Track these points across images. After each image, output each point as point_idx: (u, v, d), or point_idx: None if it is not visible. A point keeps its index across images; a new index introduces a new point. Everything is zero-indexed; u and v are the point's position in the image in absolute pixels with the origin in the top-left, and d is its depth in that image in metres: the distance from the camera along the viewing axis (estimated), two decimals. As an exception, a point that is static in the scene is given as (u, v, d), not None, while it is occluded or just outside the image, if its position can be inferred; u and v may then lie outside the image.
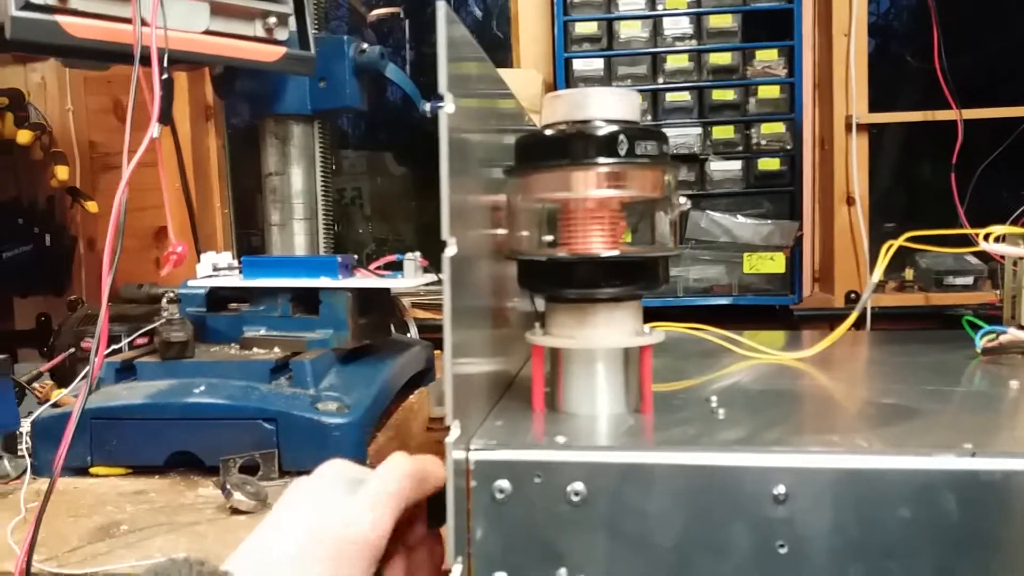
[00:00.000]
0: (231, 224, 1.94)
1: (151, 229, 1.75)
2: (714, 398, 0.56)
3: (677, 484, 0.44)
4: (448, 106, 0.44)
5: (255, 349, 0.96)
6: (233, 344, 0.98)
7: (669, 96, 1.59)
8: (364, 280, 0.98)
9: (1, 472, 0.85)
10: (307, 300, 0.97)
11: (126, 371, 0.92)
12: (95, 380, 0.75)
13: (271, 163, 1.14)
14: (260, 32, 0.98)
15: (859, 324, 0.93)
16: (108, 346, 0.95)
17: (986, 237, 0.70)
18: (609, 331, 0.52)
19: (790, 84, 1.58)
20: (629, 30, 1.60)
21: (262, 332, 0.97)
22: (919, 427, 0.51)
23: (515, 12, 1.79)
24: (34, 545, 0.61)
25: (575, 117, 0.52)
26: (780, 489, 0.43)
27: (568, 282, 0.52)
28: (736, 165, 1.59)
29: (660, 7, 1.60)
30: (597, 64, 1.60)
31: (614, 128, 0.50)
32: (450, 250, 0.44)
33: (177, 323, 0.92)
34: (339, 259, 0.98)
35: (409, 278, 0.99)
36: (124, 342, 1.01)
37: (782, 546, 0.43)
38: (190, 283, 1.02)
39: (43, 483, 0.75)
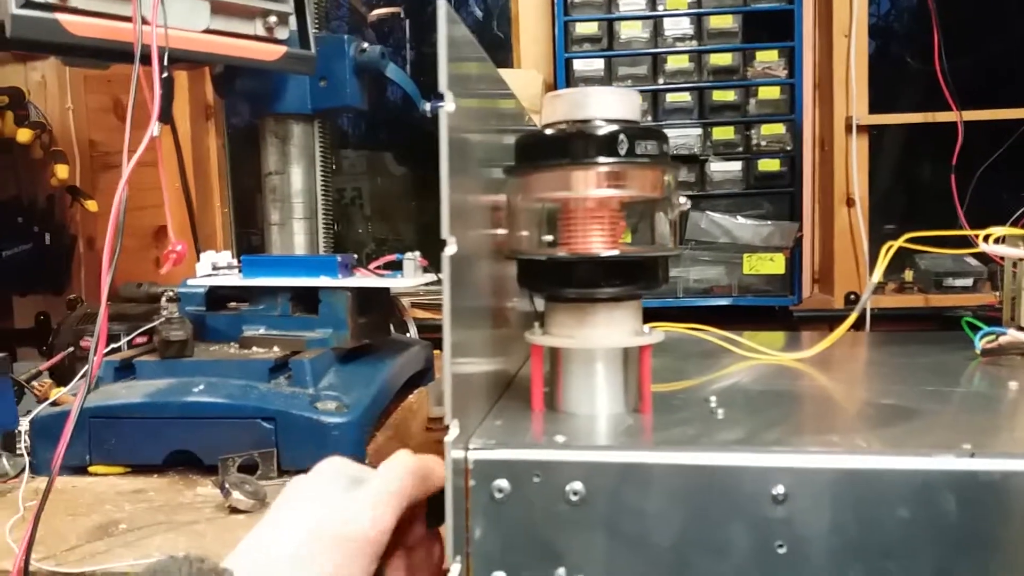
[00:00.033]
0: (231, 223, 1.94)
1: (151, 228, 1.75)
2: (713, 398, 0.56)
3: (676, 484, 0.44)
4: (448, 105, 0.44)
5: (254, 348, 0.96)
6: (232, 343, 0.98)
7: (669, 97, 1.59)
8: (364, 280, 0.98)
9: (0, 471, 0.85)
10: (306, 299, 0.97)
11: (125, 370, 0.92)
12: (94, 379, 0.75)
13: (271, 162, 1.14)
14: (260, 31, 0.98)
15: (858, 325, 0.93)
16: (107, 345, 0.95)
17: (986, 239, 0.70)
18: (608, 331, 0.52)
19: (790, 85, 1.58)
20: (629, 30, 1.60)
21: (261, 331, 0.97)
22: (918, 428, 0.51)
23: (515, 12, 1.79)
24: (32, 544, 0.61)
25: (575, 116, 0.52)
26: (779, 489, 0.43)
27: (568, 282, 0.52)
28: (736, 166, 1.59)
29: (661, 8, 1.60)
30: (597, 64, 1.60)
31: (614, 128, 0.50)
32: (450, 249, 0.44)
33: (176, 322, 0.92)
34: (339, 258, 0.98)
35: (409, 278, 0.99)
36: (123, 341, 1.01)
37: (781, 546, 0.43)
38: (189, 282, 1.02)
39: (42, 482, 0.75)
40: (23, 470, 0.83)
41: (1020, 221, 1.39)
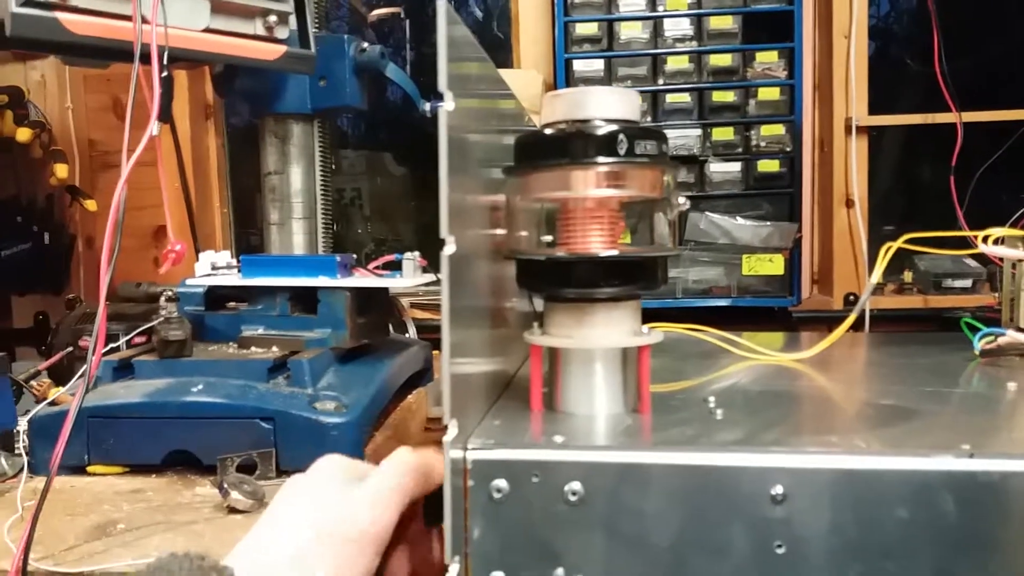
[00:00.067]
0: (230, 223, 1.94)
1: (150, 228, 1.75)
2: (712, 398, 0.56)
3: (675, 484, 0.44)
4: (448, 104, 0.44)
5: (253, 348, 0.96)
6: (231, 343, 0.98)
7: (669, 97, 1.59)
8: (363, 280, 0.98)
9: (-2, 470, 0.85)
10: (305, 299, 0.97)
11: (124, 370, 0.92)
12: (92, 378, 0.75)
13: (270, 162, 1.14)
14: (260, 30, 0.98)
15: (858, 326, 0.93)
16: (106, 344, 0.95)
17: (985, 239, 0.70)
18: (607, 331, 0.52)
19: (790, 86, 1.58)
20: (629, 31, 1.60)
21: (260, 331, 0.97)
22: (917, 428, 0.51)
23: (515, 13, 1.79)
24: (30, 543, 0.61)
25: (575, 116, 0.52)
26: (778, 489, 0.43)
27: (567, 282, 0.52)
28: (736, 167, 1.59)
29: (660, 8, 1.60)
30: (597, 65, 1.60)
31: (614, 127, 0.50)
32: (448, 248, 0.44)
33: (175, 322, 0.91)
34: (338, 258, 0.98)
35: (408, 278, 0.99)
36: (122, 340, 1.01)
37: (780, 546, 0.43)
38: (188, 282, 1.02)
39: (40, 481, 0.75)
40: (21, 470, 0.83)
41: (1019, 222, 1.39)
